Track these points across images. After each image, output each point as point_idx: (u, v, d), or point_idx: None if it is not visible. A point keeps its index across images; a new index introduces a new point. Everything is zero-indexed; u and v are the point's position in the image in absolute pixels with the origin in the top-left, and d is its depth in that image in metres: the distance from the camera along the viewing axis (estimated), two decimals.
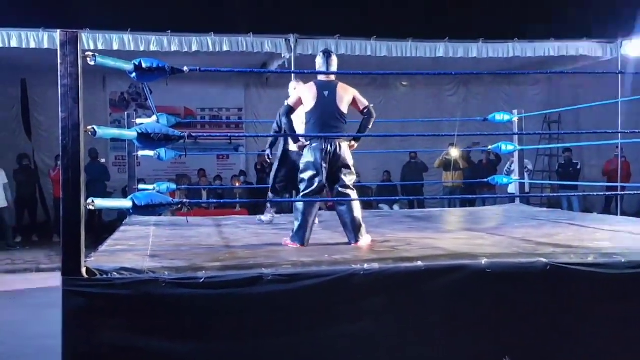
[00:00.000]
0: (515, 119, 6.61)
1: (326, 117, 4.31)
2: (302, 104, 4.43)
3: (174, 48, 8.92)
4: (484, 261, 3.39)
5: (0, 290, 7.09)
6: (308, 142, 4.35)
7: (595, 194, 11.30)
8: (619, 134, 8.39)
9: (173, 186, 6.70)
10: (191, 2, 12.43)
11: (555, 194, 10.99)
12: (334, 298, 3.20)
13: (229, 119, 12.77)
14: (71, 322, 2.94)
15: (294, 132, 4.64)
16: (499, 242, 4.28)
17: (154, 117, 6.09)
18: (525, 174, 9.14)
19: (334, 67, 4.45)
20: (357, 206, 4.35)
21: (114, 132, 3.74)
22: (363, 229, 4.31)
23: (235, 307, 3.10)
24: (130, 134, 3.41)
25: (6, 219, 9.87)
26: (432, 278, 3.31)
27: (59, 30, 3.03)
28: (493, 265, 3.37)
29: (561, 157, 11.83)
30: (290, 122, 4.51)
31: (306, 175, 4.31)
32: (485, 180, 6.65)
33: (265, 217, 5.80)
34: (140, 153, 6.60)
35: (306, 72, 4.53)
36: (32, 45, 8.45)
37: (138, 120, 6.44)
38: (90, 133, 3.09)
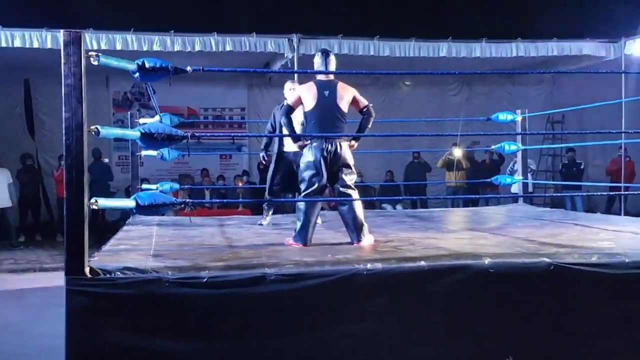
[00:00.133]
0: (519, 119, 6.60)
1: (327, 117, 4.31)
2: (302, 103, 4.43)
3: (176, 48, 8.93)
4: (487, 261, 3.39)
5: (4, 289, 7.10)
6: (308, 142, 4.35)
7: (598, 193, 11.27)
8: (623, 134, 8.36)
9: (176, 186, 6.70)
10: (194, 2, 12.44)
11: (558, 194, 10.96)
12: (337, 298, 3.20)
13: (232, 119, 12.78)
14: (75, 322, 2.95)
15: (294, 132, 4.64)
16: (502, 242, 4.27)
17: (157, 117, 6.10)
18: (529, 174, 9.13)
19: (333, 67, 4.45)
20: (358, 206, 4.34)
21: (117, 132, 3.74)
22: (365, 229, 4.31)
23: (238, 306, 3.10)
24: (134, 133, 3.42)
25: (10, 219, 9.89)
26: (435, 278, 3.31)
27: (62, 30, 3.03)
28: (496, 265, 3.37)
29: (564, 157, 11.80)
30: (290, 122, 4.51)
31: (307, 175, 4.31)
32: (489, 180, 6.64)
33: (265, 222, 5.80)
34: (144, 153, 6.61)
35: (309, 71, 4.52)
36: (36, 45, 8.46)
37: (141, 120, 6.45)
38: (93, 133, 3.09)
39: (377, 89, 12.31)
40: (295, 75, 8.19)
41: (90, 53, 3.07)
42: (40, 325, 5.23)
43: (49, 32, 8.44)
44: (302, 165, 4.39)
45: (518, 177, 7.14)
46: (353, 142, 4.53)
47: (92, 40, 8.44)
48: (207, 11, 11.92)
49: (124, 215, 8.18)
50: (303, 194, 4.35)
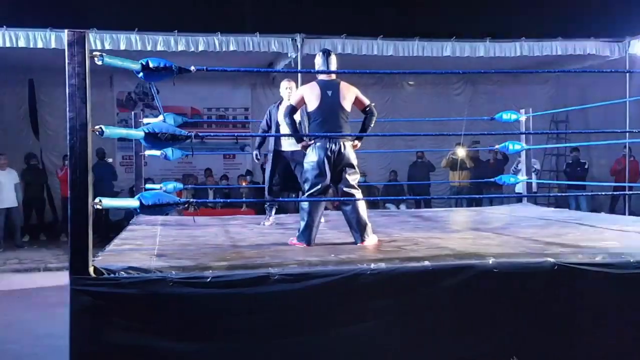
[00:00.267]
0: (523, 118, 6.58)
1: (330, 117, 4.31)
2: (304, 103, 4.42)
3: (180, 48, 8.93)
4: (491, 261, 3.38)
5: (9, 289, 7.12)
6: (312, 142, 4.35)
7: (603, 193, 11.24)
8: (627, 134, 8.34)
9: (180, 186, 6.71)
10: (198, 2, 12.47)
11: (562, 194, 10.94)
12: (341, 298, 3.20)
13: (236, 119, 12.79)
14: (79, 321, 2.95)
15: (297, 131, 4.64)
16: (506, 242, 4.26)
17: (161, 117, 6.10)
18: (533, 173, 9.11)
19: (334, 66, 4.44)
20: (362, 206, 4.34)
21: (121, 131, 3.74)
22: (369, 229, 4.30)
23: (242, 306, 3.10)
24: (138, 133, 3.42)
25: (15, 219, 9.92)
26: (439, 278, 3.30)
27: (66, 30, 3.04)
28: (500, 266, 3.36)
29: (569, 156, 11.77)
30: (294, 122, 4.51)
31: (311, 175, 4.31)
32: (492, 179, 6.63)
33: (268, 222, 5.80)
34: (147, 153, 6.62)
35: (313, 71, 4.51)
36: (40, 45, 8.48)
37: (145, 120, 6.46)
38: (97, 133, 3.10)
39: (381, 89, 12.30)
40: (299, 75, 8.20)
41: (94, 53, 3.08)
42: (44, 325, 5.24)
43: (53, 32, 8.45)
44: (306, 165, 4.38)
45: (522, 177, 7.12)
46: (356, 141, 4.54)
47: (96, 40, 8.45)
48: (211, 11, 11.95)
49: (127, 215, 8.21)
50: (307, 194, 4.34)
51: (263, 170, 11.52)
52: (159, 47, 8.82)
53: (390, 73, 12.15)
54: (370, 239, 4.28)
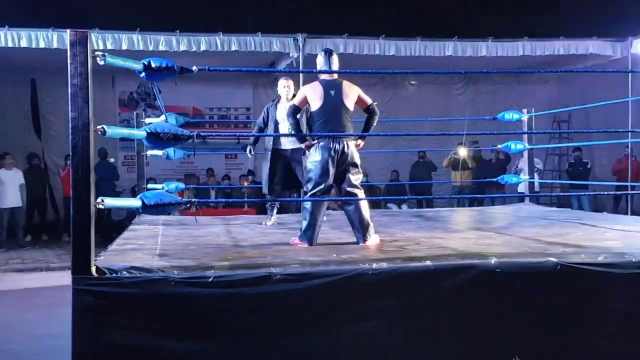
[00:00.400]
0: (525, 118, 6.58)
1: (334, 116, 4.31)
2: (307, 103, 4.42)
3: (182, 48, 8.94)
4: (493, 261, 3.38)
5: (11, 289, 7.13)
6: (315, 142, 4.35)
7: (605, 193, 11.22)
8: (630, 133, 8.32)
9: (182, 185, 6.71)
10: (199, 2, 12.47)
11: (565, 194, 10.92)
12: (342, 297, 3.20)
13: (237, 119, 12.79)
14: (81, 321, 2.96)
15: (301, 131, 4.64)
16: (508, 242, 4.26)
17: (163, 117, 6.11)
18: (535, 173, 9.10)
19: (336, 66, 4.44)
20: (365, 206, 4.34)
21: (123, 131, 3.75)
22: (371, 229, 4.30)
23: (244, 306, 3.10)
24: (140, 133, 3.42)
25: (18, 219, 9.94)
26: (441, 278, 3.30)
27: (68, 30, 3.04)
28: (503, 265, 3.36)
29: (571, 156, 11.75)
30: (297, 122, 4.51)
31: (314, 174, 4.31)
32: (495, 179, 6.62)
33: (269, 222, 5.80)
34: (149, 152, 6.62)
35: (315, 71, 4.50)
36: (42, 45, 8.48)
37: (147, 120, 6.46)
38: (99, 132, 3.10)
39: (383, 89, 12.29)
40: (301, 75, 8.20)
41: (96, 53, 3.08)
42: (46, 325, 5.24)
43: (55, 32, 8.46)
44: (309, 164, 4.38)
45: (524, 176, 7.11)
46: (359, 141, 4.54)
47: (99, 40, 8.45)
48: (213, 11, 11.95)
49: (129, 215, 8.21)
50: (310, 194, 4.34)
51: None
52: (161, 47, 8.82)
53: (392, 73, 12.15)
54: (372, 239, 4.27)
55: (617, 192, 9.67)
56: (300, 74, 8.21)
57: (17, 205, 9.83)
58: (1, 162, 10.00)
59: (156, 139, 3.37)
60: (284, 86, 5.75)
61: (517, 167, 10.52)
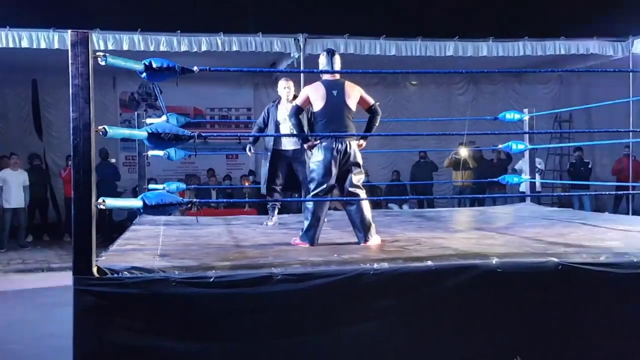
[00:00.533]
0: (526, 118, 6.57)
1: (336, 116, 4.31)
2: (310, 104, 4.42)
3: (183, 48, 8.94)
4: (494, 261, 3.38)
5: (12, 289, 7.13)
6: (318, 142, 4.35)
7: (606, 193, 11.21)
8: (631, 133, 8.32)
9: (183, 186, 6.71)
10: (200, 3, 12.47)
11: (566, 194, 10.92)
12: (344, 298, 3.20)
13: (238, 119, 12.79)
14: (82, 321, 2.96)
15: (303, 132, 4.64)
16: (509, 242, 4.25)
17: (164, 117, 6.11)
18: (537, 173, 9.09)
19: (338, 66, 4.44)
20: (366, 206, 4.34)
21: (125, 132, 3.75)
22: (373, 229, 4.30)
23: (245, 306, 3.10)
24: (141, 133, 3.42)
25: (21, 220, 9.95)
26: (443, 278, 3.30)
27: (69, 31, 3.04)
28: (504, 265, 3.36)
29: (572, 156, 11.75)
30: (299, 122, 4.51)
31: (316, 174, 4.31)
32: (496, 179, 6.62)
33: (270, 222, 5.80)
34: (150, 153, 6.63)
35: (315, 71, 4.50)
36: (43, 45, 8.49)
37: (148, 120, 6.46)
38: (100, 133, 3.10)
39: (383, 89, 12.29)
40: (302, 75, 8.20)
41: (97, 53, 3.08)
42: (48, 325, 5.24)
43: (57, 33, 8.46)
44: (312, 164, 4.38)
45: (525, 176, 7.11)
46: (362, 141, 4.54)
47: (99, 40, 8.46)
48: (214, 11, 11.95)
49: (130, 215, 8.21)
50: (312, 194, 4.34)
51: None
52: (162, 48, 8.82)
53: (392, 73, 12.15)
54: (374, 239, 4.27)
55: (618, 192, 9.66)
56: (301, 74, 8.21)
57: (19, 206, 9.84)
58: (6, 162, 10.03)
59: (157, 139, 3.37)
60: (284, 87, 5.75)
61: (513, 167, 10.53)
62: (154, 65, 3.33)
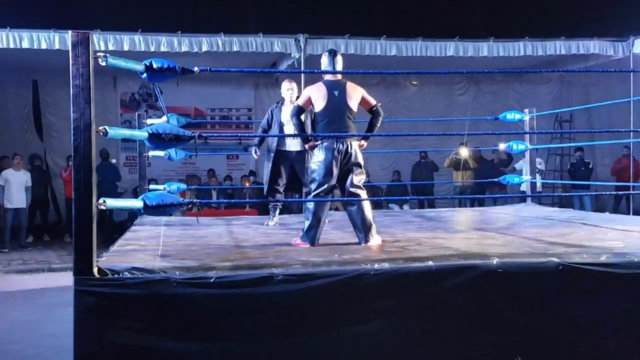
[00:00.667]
0: (527, 118, 6.57)
1: (338, 117, 4.31)
2: (311, 104, 4.42)
3: (184, 48, 8.95)
4: (495, 261, 3.37)
5: (13, 290, 7.13)
6: (319, 142, 4.35)
7: (607, 193, 11.22)
8: (632, 133, 8.32)
9: (183, 186, 6.71)
10: (201, 3, 12.47)
11: (567, 194, 10.92)
12: (344, 298, 3.20)
13: (239, 119, 12.80)
14: (83, 322, 2.96)
15: (304, 132, 4.64)
16: (510, 242, 4.25)
17: (165, 118, 6.11)
18: (537, 173, 9.08)
19: (340, 66, 4.45)
20: (367, 206, 4.34)
21: (125, 132, 3.75)
22: (374, 229, 4.30)
23: (246, 307, 3.10)
24: (141, 134, 3.42)
25: (22, 220, 9.96)
26: (443, 278, 3.30)
27: (70, 31, 3.04)
28: (505, 265, 3.35)
29: (573, 156, 11.75)
30: (300, 123, 4.51)
31: (317, 175, 4.31)
32: (497, 179, 6.62)
33: (271, 222, 5.80)
34: (151, 153, 6.63)
35: (316, 71, 4.51)
36: (44, 46, 8.49)
37: (149, 121, 6.46)
38: (101, 133, 3.10)
39: (384, 89, 12.29)
40: (302, 75, 8.20)
41: (98, 54, 3.08)
42: (48, 325, 5.25)
43: (57, 33, 8.47)
44: (313, 165, 4.38)
45: (525, 176, 7.10)
46: (363, 141, 4.55)
47: (100, 41, 8.46)
48: (214, 12, 11.95)
49: (131, 216, 8.22)
50: (313, 194, 4.34)
51: None
52: (163, 48, 8.83)
53: (393, 73, 12.15)
54: (374, 240, 4.27)
55: (619, 192, 9.66)
56: (302, 75, 8.21)
57: (21, 206, 9.86)
58: (9, 163, 10.04)
59: (158, 139, 3.37)
60: (288, 88, 5.74)
61: (513, 167, 10.53)
62: (155, 66, 3.33)
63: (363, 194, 4.39)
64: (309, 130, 4.87)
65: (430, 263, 3.34)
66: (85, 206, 3.00)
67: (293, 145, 5.62)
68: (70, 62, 3.00)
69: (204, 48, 9.05)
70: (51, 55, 8.52)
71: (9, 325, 5.49)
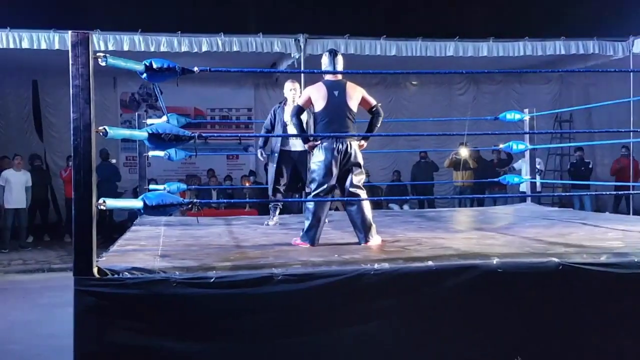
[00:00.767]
0: (526, 118, 6.57)
1: (337, 117, 4.31)
2: (311, 104, 4.43)
3: (184, 48, 8.95)
4: (495, 261, 3.37)
5: (13, 290, 7.14)
6: (319, 142, 4.35)
7: (607, 192, 11.22)
8: (631, 133, 8.32)
9: (183, 186, 6.71)
10: (201, 3, 12.47)
11: (567, 194, 10.92)
12: (344, 298, 3.20)
13: (239, 119, 12.80)
14: (83, 322, 2.96)
15: (304, 132, 4.64)
16: (510, 242, 4.25)
17: (164, 118, 6.11)
18: (536, 174, 9.08)
19: (340, 66, 4.45)
20: (367, 206, 4.34)
21: (125, 132, 3.75)
22: (373, 229, 4.30)
23: (246, 307, 3.10)
24: (141, 134, 3.42)
25: (22, 220, 9.96)
26: (443, 278, 3.30)
27: (70, 31, 3.04)
28: (505, 265, 3.35)
29: (573, 156, 11.76)
30: (300, 123, 4.51)
31: (317, 175, 4.31)
32: (496, 179, 6.62)
33: (271, 222, 5.80)
34: (151, 153, 6.63)
35: (316, 71, 4.51)
36: (43, 46, 8.50)
37: (148, 121, 6.46)
38: (101, 133, 3.10)
39: (384, 89, 12.30)
40: (302, 75, 8.20)
41: (97, 54, 3.08)
42: (48, 325, 5.25)
43: (57, 34, 8.47)
44: (312, 165, 4.38)
45: (525, 176, 7.10)
46: (363, 141, 4.55)
47: (100, 41, 8.46)
48: (214, 12, 11.95)
49: (131, 216, 8.22)
50: (313, 194, 4.34)
51: (266, 170, 11.61)
52: (162, 48, 8.83)
53: (393, 73, 12.16)
54: (374, 240, 4.27)
55: (619, 192, 9.66)
56: (302, 75, 8.21)
57: (21, 206, 9.87)
58: (9, 163, 10.05)
59: (158, 139, 3.37)
60: (291, 89, 5.74)
61: (511, 167, 10.54)
62: (155, 66, 3.33)
63: (363, 194, 4.39)
64: (311, 130, 4.87)
65: (430, 263, 3.34)
66: (85, 206, 3.00)
67: (296, 145, 5.62)
68: (70, 62, 3.00)
69: (204, 48, 9.05)
70: (51, 55, 8.52)
71: (9, 325, 5.49)
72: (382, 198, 11.09)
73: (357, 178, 4.35)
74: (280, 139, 5.70)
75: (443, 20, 12.01)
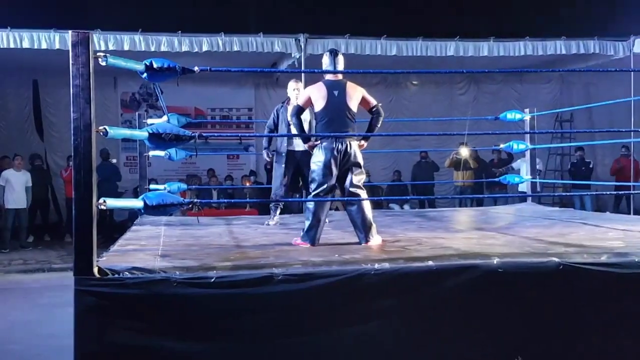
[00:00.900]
0: (527, 118, 6.56)
1: (337, 117, 4.31)
2: (311, 104, 4.43)
3: (184, 48, 8.95)
4: (495, 261, 3.37)
5: (13, 290, 7.14)
6: (319, 142, 4.35)
7: (607, 192, 11.21)
8: (632, 133, 8.31)
9: (184, 186, 6.71)
10: (201, 3, 12.47)
11: (567, 193, 10.92)
12: (345, 298, 3.20)
13: (239, 119, 12.80)
14: (83, 321, 2.96)
15: (304, 132, 4.64)
16: (510, 242, 4.25)
17: (165, 117, 6.11)
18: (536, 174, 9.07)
19: (341, 66, 4.45)
20: (367, 206, 4.34)
21: (125, 132, 3.75)
22: (374, 229, 4.30)
23: (246, 306, 3.10)
24: (142, 134, 3.42)
25: (22, 220, 9.96)
26: (443, 278, 3.30)
27: (70, 31, 3.04)
28: (505, 265, 3.35)
29: (573, 156, 11.75)
30: (300, 122, 4.51)
31: (317, 175, 4.31)
32: (497, 179, 6.62)
33: (272, 222, 5.80)
34: (151, 153, 6.63)
35: (316, 71, 4.51)
36: (44, 46, 8.50)
37: (149, 121, 6.46)
38: (101, 133, 3.10)
39: (385, 89, 12.30)
40: (302, 75, 8.20)
41: (98, 54, 3.08)
42: (49, 325, 5.25)
43: (57, 33, 8.47)
44: (312, 165, 4.38)
45: (526, 176, 7.10)
46: (363, 141, 4.54)
47: (100, 41, 8.46)
48: (215, 11, 11.95)
49: (131, 216, 8.21)
50: (313, 194, 4.34)
51: (267, 170, 11.61)
52: (163, 48, 8.83)
53: (393, 73, 12.15)
54: (375, 240, 4.27)
55: (619, 192, 9.66)
56: (302, 75, 8.21)
57: (21, 206, 9.87)
58: (10, 163, 10.05)
59: (158, 139, 3.37)
60: (294, 88, 5.74)
61: (510, 167, 10.53)
62: (155, 66, 3.33)
63: (363, 193, 4.39)
64: (314, 130, 4.87)
65: (430, 263, 3.34)
66: (85, 206, 3.00)
67: (299, 145, 5.62)
68: (71, 62, 3.00)
69: (204, 48, 9.05)
70: (51, 55, 8.52)
71: (9, 325, 5.49)
72: (382, 198, 11.09)
73: (357, 178, 4.35)
74: (285, 139, 5.71)
75: (443, 20, 12.00)
